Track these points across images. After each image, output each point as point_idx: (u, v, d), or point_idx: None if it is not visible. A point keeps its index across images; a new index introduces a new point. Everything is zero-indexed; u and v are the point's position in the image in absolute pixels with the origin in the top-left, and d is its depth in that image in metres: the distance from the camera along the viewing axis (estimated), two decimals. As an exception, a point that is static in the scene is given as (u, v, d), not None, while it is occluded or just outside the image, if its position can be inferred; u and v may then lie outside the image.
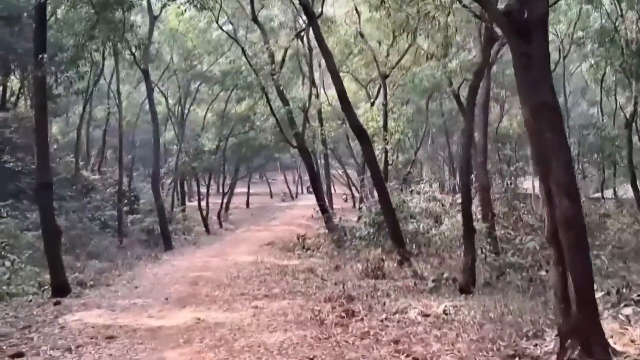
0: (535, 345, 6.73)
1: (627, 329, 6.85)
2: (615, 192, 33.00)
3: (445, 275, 12.72)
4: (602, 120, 34.43)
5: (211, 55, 34.46)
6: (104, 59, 26.16)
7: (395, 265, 14.79)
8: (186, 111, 36.94)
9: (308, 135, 26.22)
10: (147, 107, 31.68)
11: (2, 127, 23.21)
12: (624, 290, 8.93)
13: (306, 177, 62.02)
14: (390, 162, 28.02)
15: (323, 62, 31.47)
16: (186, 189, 43.86)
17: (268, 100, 26.42)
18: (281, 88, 25.10)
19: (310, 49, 25.99)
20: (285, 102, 25.11)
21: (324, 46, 17.54)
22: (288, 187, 63.78)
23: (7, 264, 14.08)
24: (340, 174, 48.78)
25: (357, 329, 8.45)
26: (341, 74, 21.92)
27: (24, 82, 26.49)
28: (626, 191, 29.99)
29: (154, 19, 26.09)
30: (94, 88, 30.57)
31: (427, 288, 11.91)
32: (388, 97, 28.34)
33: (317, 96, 30.82)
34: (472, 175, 15.90)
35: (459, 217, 19.51)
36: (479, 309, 9.23)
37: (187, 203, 41.09)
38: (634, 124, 26.34)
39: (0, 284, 12.61)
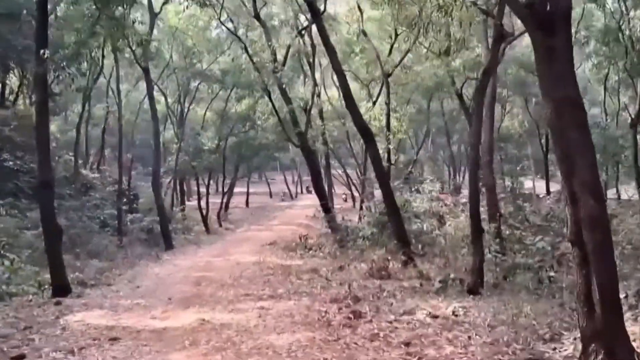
0: (554, 349, 6.55)
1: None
2: (618, 193, 32.90)
3: (452, 275, 12.56)
4: (606, 120, 34.35)
5: (211, 54, 34.31)
6: (103, 56, 25.97)
7: (400, 265, 14.60)
8: (186, 110, 36.73)
9: (311, 134, 26.00)
10: (146, 105, 31.54)
11: (1, 125, 23.08)
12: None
13: (305, 177, 62.06)
14: (392, 162, 27.84)
15: (324, 61, 31.45)
16: (185, 188, 43.70)
17: (270, 99, 26.23)
18: (284, 86, 24.91)
19: (313, 46, 25.77)
20: (288, 100, 24.92)
21: (328, 44, 17.35)
22: (287, 187, 63.64)
23: (7, 263, 13.88)
24: (340, 174, 48.61)
25: (366, 330, 8.26)
26: (343, 73, 21.72)
27: (24, 79, 26.36)
28: (628, 192, 29.89)
29: (154, 16, 25.92)
30: (94, 86, 30.36)
31: (433, 289, 11.73)
32: (390, 96, 28.17)
33: (319, 95, 30.62)
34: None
35: (463, 217, 19.51)
36: (489, 310, 9.08)
37: (187, 202, 40.96)
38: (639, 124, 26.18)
39: (0, 284, 12.40)
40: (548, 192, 37.41)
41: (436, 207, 21.47)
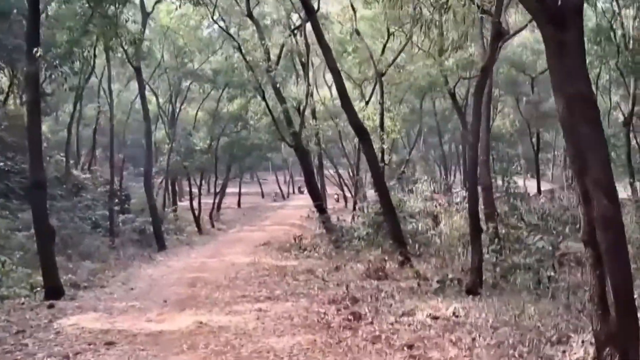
0: (563, 352, 6.40)
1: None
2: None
3: (450, 276, 12.45)
4: (598, 119, 34.39)
5: (202, 53, 34.12)
6: (95, 56, 25.72)
7: (396, 265, 14.47)
8: (177, 110, 36.51)
9: (305, 134, 25.83)
10: (137, 105, 31.31)
11: (-9, 125, 22.84)
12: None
13: (297, 178, 61.95)
14: (386, 162, 27.75)
15: (317, 60, 31.33)
16: (177, 188, 43.47)
17: (264, 99, 26.05)
18: (278, 86, 24.74)
19: (307, 45, 25.61)
20: (282, 100, 24.75)
21: (323, 42, 17.15)
22: (279, 187, 63.54)
23: (-2, 265, 13.68)
24: (332, 174, 48.53)
25: (367, 332, 8.14)
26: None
27: (14, 79, 26.04)
28: (619, 191, 29.90)
29: (146, 15, 25.70)
30: (85, 85, 30.10)
31: (431, 289, 11.61)
32: (384, 96, 28.10)
33: (312, 95, 30.50)
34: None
35: (458, 217, 19.43)
36: (490, 311, 8.95)
37: (179, 203, 40.72)
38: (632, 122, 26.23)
39: (-8, 286, 12.21)
40: (539, 191, 37.45)
41: (430, 207, 21.36)
